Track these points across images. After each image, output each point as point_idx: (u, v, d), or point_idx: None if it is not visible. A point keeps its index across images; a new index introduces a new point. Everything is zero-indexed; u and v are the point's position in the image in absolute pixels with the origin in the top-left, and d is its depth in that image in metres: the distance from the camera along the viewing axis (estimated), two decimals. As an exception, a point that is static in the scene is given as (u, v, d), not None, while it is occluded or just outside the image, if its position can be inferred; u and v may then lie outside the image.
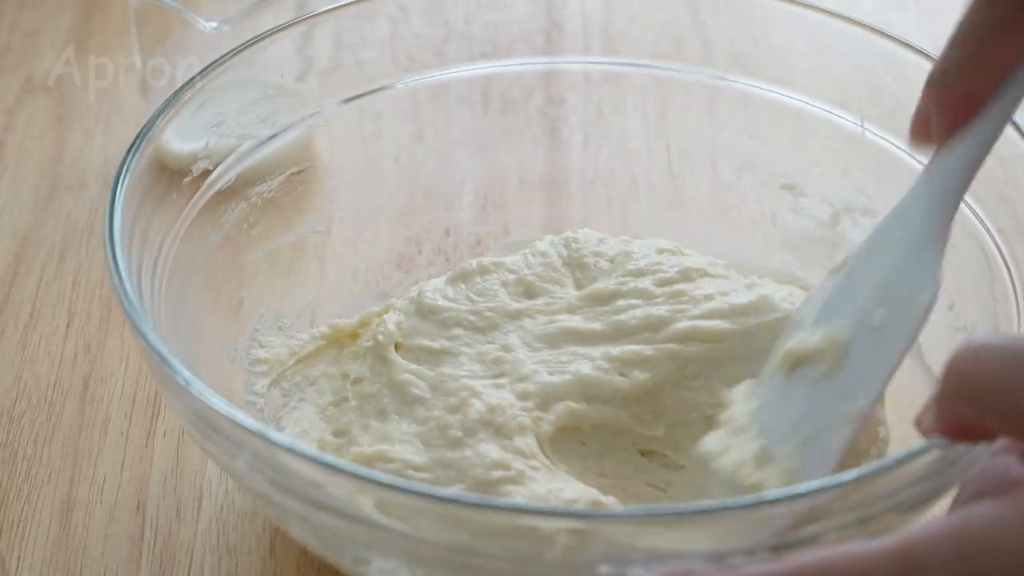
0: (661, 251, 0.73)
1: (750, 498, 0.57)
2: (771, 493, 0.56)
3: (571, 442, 0.67)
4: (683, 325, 0.69)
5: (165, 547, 0.69)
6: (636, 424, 0.67)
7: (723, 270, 0.73)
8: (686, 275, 0.72)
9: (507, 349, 0.69)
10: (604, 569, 0.56)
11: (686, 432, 0.68)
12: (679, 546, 0.55)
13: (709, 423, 0.67)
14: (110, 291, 0.81)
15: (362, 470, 0.56)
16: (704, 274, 0.72)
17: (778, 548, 0.55)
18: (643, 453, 0.68)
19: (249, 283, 0.75)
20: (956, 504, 0.55)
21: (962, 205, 0.71)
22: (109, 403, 0.76)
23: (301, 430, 0.71)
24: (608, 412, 0.67)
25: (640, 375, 0.67)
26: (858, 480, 0.55)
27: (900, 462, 0.56)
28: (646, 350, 0.68)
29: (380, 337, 0.72)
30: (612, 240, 0.76)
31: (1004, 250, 0.69)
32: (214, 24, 0.83)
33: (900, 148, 0.75)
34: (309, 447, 0.57)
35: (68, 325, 0.80)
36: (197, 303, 0.71)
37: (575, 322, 0.70)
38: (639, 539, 0.55)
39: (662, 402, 0.68)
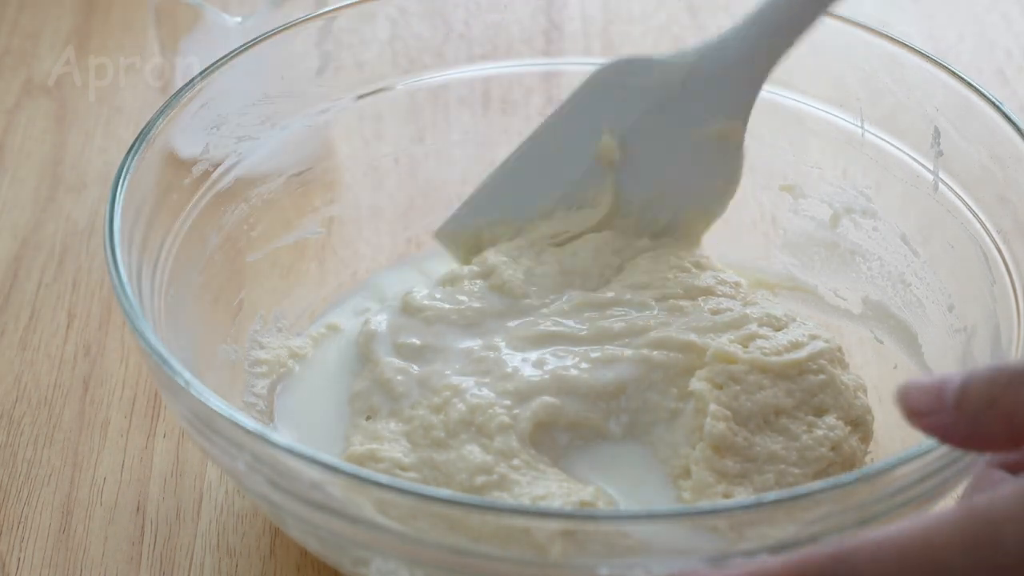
0: (673, 266, 0.74)
1: (750, 499, 0.57)
2: (771, 495, 0.56)
3: (547, 435, 0.67)
4: (657, 334, 0.69)
5: (165, 548, 0.69)
6: (603, 421, 0.68)
7: (732, 289, 0.73)
8: (690, 293, 0.72)
9: (491, 348, 0.70)
10: (604, 571, 0.56)
11: (639, 433, 0.68)
12: (681, 546, 0.56)
13: (661, 427, 0.68)
14: (110, 292, 0.81)
15: (361, 471, 0.56)
16: (709, 293, 0.72)
17: (778, 548, 0.55)
18: None
19: (249, 284, 0.75)
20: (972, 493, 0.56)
21: (962, 205, 0.72)
22: (109, 404, 0.76)
23: (301, 431, 0.71)
24: (580, 408, 0.68)
25: (612, 374, 0.68)
26: (858, 480, 0.55)
27: (900, 462, 0.56)
28: (622, 351, 0.69)
29: (363, 336, 0.72)
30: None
31: (1004, 251, 0.69)
32: (239, 19, 0.83)
33: (900, 149, 0.75)
34: (308, 448, 0.57)
35: (68, 326, 0.80)
36: (197, 304, 0.71)
37: (561, 326, 0.71)
38: (637, 540, 0.55)
39: (628, 402, 0.68)
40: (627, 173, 0.75)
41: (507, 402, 0.67)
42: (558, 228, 0.76)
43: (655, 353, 0.69)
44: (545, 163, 0.76)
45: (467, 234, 0.77)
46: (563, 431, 0.68)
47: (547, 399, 0.67)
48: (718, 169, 0.74)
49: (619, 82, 0.74)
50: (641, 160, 0.75)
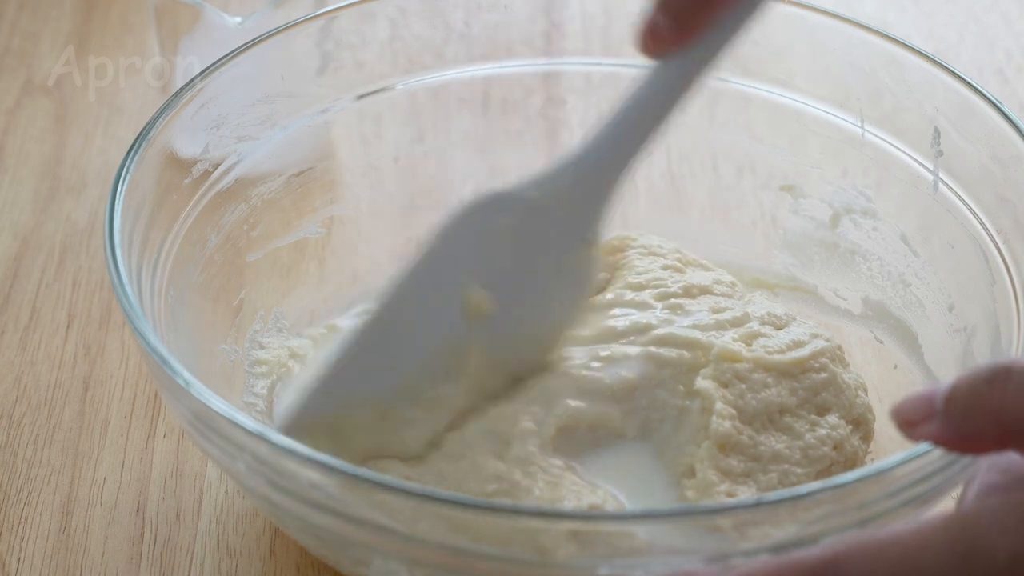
0: (666, 267, 0.74)
1: (751, 499, 0.57)
2: (772, 495, 0.56)
3: (568, 438, 0.67)
4: (662, 331, 0.69)
5: (165, 548, 0.69)
6: (620, 421, 0.67)
7: (728, 288, 0.73)
8: (688, 291, 0.72)
9: None
10: (604, 571, 0.56)
11: (650, 431, 0.68)
12: (683, 546, 0.56)
13: (669, 424, 0.68)
14: (110, 292, 0.81)
15: (361, 471, 0.56)
16: (707, 292, 0.72)
17: (778, 548, 0.55)
18: None
19: (249, 284, 0.75)
20: (966, 497, 0.56)
21: (961, 205, 0.72)
22: (109, 405, 0.76)
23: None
24: (601, 409, 0.67)
25: (624, 373, 0.68)
26: (858, 480, 0.55)
27: (900, 462, 0.56)
28: (630, 350, 0.69)
29: None
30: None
31: (1004, 251, 0.69)
32: (239, 19, 0.83)
33: (900, 149, 0.75)
34: (308, 448, 0.57)
35: (68, 327, 0.80)
36: (197, 304, 0.71)
37: None
38: (639, 541, 0.56)
39: (640, 400, 0.68)
40: (496, 321, 0.67)
41: (534, 408, 0.67)
42: (425, 408, 0.67)
43: (662, 350, 0.69)
44: (404, 328, 0.66)
45: (322, 425, 0.66)
46: (584, 433, 0.67)
47: (570, 402, 0.67)
48: (575, 286, 0.69)
49: (476, 225, 0.66)
50: (507, 303, 0.67)
